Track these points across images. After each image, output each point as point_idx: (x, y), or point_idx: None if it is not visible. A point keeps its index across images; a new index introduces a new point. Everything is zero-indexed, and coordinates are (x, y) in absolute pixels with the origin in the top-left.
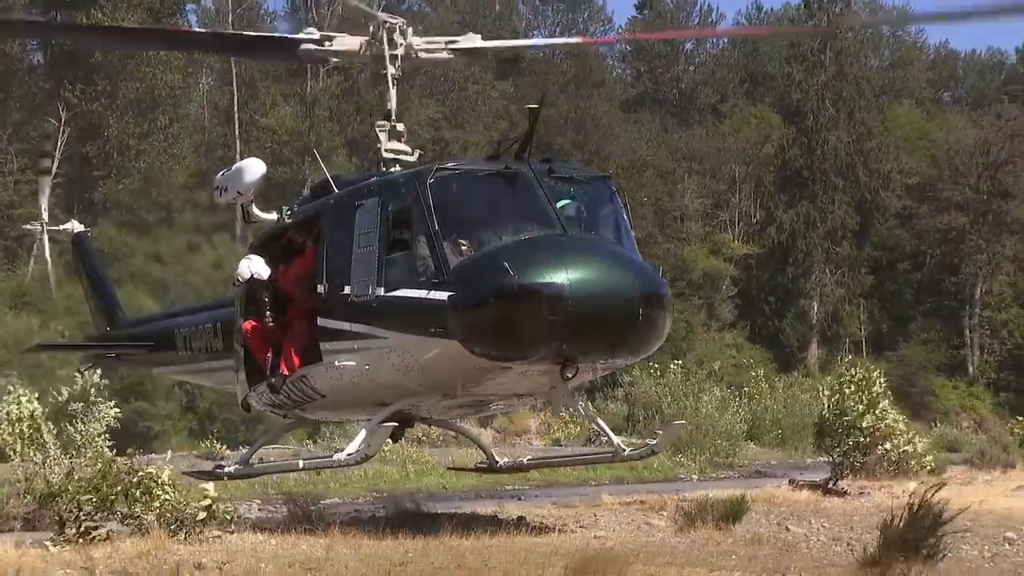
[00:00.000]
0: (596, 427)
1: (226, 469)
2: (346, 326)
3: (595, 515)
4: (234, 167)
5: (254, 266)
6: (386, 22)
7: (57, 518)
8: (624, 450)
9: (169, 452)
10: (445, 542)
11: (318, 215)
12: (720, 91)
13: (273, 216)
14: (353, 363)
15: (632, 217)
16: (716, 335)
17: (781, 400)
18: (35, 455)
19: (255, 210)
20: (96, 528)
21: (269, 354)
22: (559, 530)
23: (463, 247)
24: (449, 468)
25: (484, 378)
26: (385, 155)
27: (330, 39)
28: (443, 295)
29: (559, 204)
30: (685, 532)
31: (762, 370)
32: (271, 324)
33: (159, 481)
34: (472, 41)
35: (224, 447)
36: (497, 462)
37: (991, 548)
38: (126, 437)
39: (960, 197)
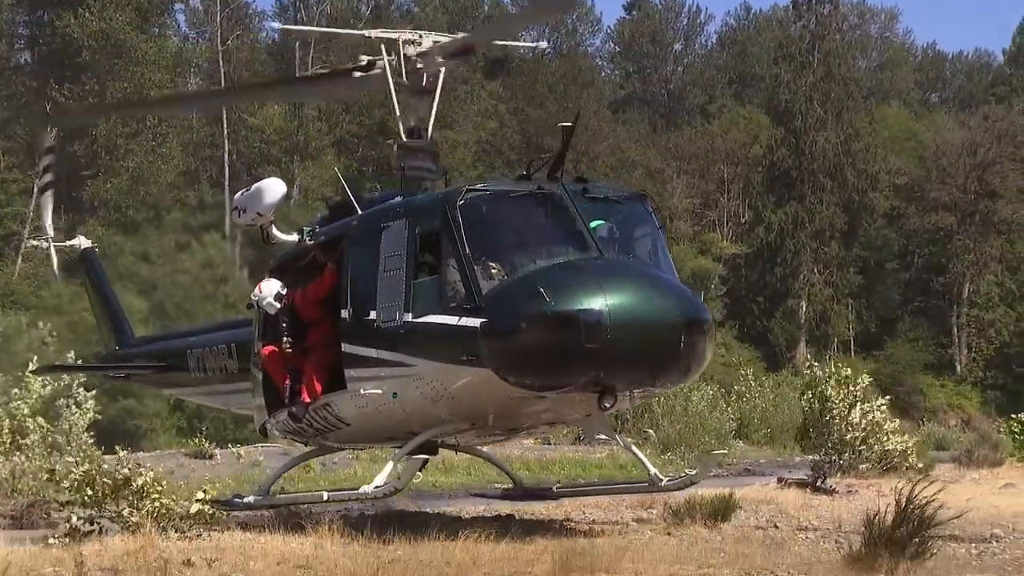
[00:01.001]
0: (633, 456)
1: (245, 499)
2: (372, 353)
3: (584, 512)
4: (253, 187)
5: (274, 290)
6: (408, 40)
7: (45, 517)
8: (661, 480)
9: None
10: (434, 540)
11: (341, 237)
12: (708, 92)
13: (294, 237)
14: (380, 391)
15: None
16: None
17: (769, 399)
18: (20, 455)
19: (275, 231)
20: (86, 526)
21: (289, 380)
22: (548, 527)
23: (495, 272)
24: (472, 494)
25: (518, 407)
26: (409, 173)
27: (372, 64)
28: (475, 322)
29: (594, 225)
30: (674, 530)
31: (751, 369)
32: (291, 349)
33: (148, 481)
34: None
35: (213, 445)
36: (521, 481)
37: (978, 545)
38: (114, 435)
39: (948, 197)
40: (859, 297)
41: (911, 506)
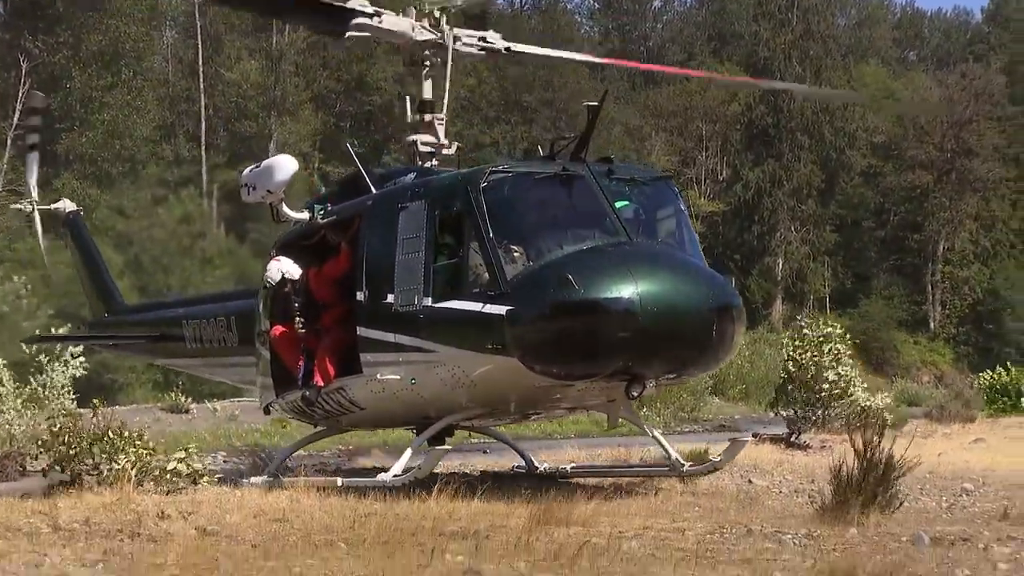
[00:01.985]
0: (655, 441)
1: (253, 480)
2: (390, 337)
3: (560, 467)
4: (263, 164)
5: (284, 267)
6: (445, 5)
7: (20, 469)
8: (683, 465)
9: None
10: (411, 495)
11: (355, 216)
12: (687, 49)
13: (304, 215)
14: (397, 377)
15: None
16: None
17: (745, 355)
18: None
19: (285, 209)
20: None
21: (301, 362)
22: (523, 483)
23: (520, 256)
24: (483, 472)
25: (542, 395)
26: (422, 148)
27: (380, 15)
28: (500, 309)
29: (619, 206)
30: (649, 484)
31: None
32: (303, 330)
33: (125, 435)
34: (524, 46)
35: (189, 400)
36: (536, 468)
37: (948, 499)
38: (91, 389)
39: (924, 156)
40: (835, 255)
41: (875, 454)
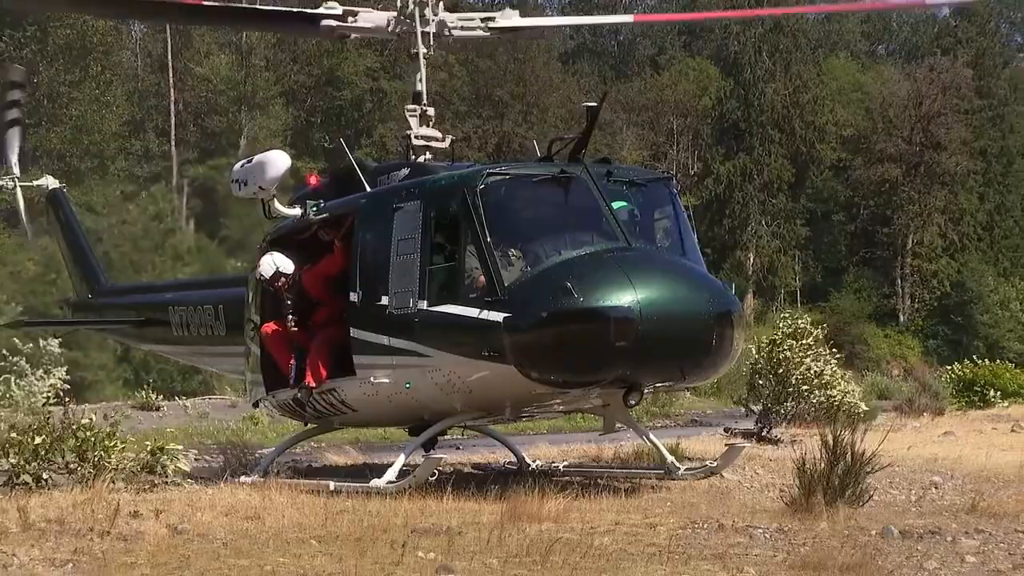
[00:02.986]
0: (650, 444)
1: (242, 480)
2: (383, 339)
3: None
4: (255, 160)
5: (278, 262)
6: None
7: None
8: (678, 468)
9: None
10: (384, 491)
11: (349, 214)
12: (658, 43)
13: (297, 211)
14: (391, 380)
15: None
16: None
17: None
18: None
19: (277, 205)
20: (32, 477)
21: (292, 360)
22: (496, 477)
23: (518, 261)
24: (474, 466)
25: (538, 400)
26: (415, 142)
27: (354, 14)
28: (498, 316)
29: (618, 209)
30: (620, 480)
31: None
32: (294, 328)
33: (96, 432)
34: (509, 18)
35: (160, 397)
36: (528, 465)
37: (917, 492)
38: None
39: (893, 149)
40: (806, 248)
41: (841, 448)
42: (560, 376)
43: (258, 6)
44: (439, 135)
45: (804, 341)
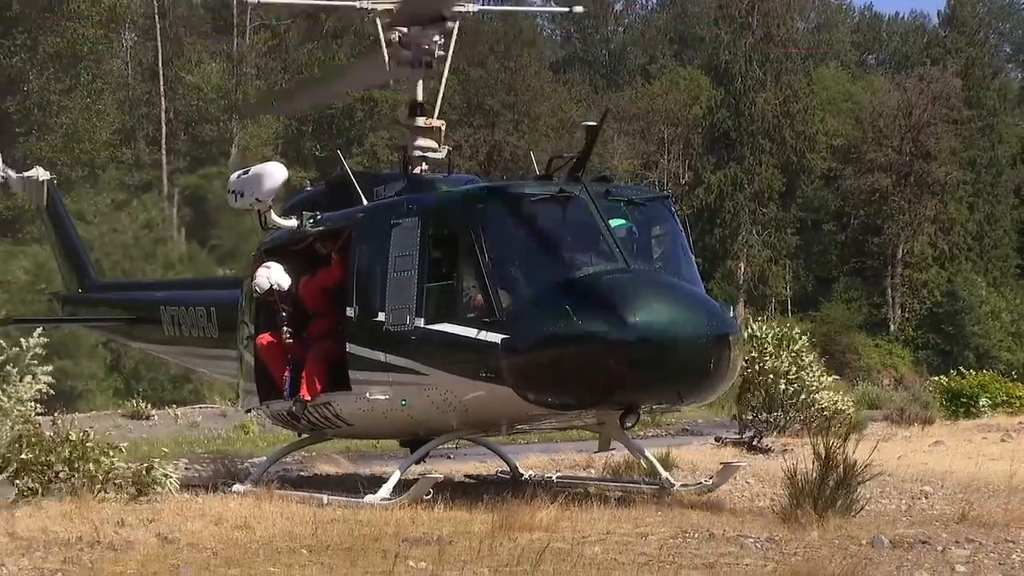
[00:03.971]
0: (645, 462)
1: (234, 488)
2: (379, 356)
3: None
4: (252, 171)
5: (274, 276)
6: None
7: None
8: (673, 484)
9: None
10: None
11: (346, 228)
12: (649, 52)
13: (293, 223)
14: (387, 397)
15: None
16: None
17: None
18: None
19: (273, 216)
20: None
21: (286, 373)
22: (488, 487)
23: (516, 282)
24: (467, 476)
25: (535, 421)
26: (412, 153)
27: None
28: (495, 337)
29: (616, 227)
30: (611, 489)
31: None
32: (289, 340)
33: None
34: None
35: (150, 406)
36: (521, 475)
37: (907, 501)
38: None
39: (883, 159)
40: (796, 258)
41: (832, 459)
42: (557, 398)
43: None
44: (436, 146)
45: (792, 349)
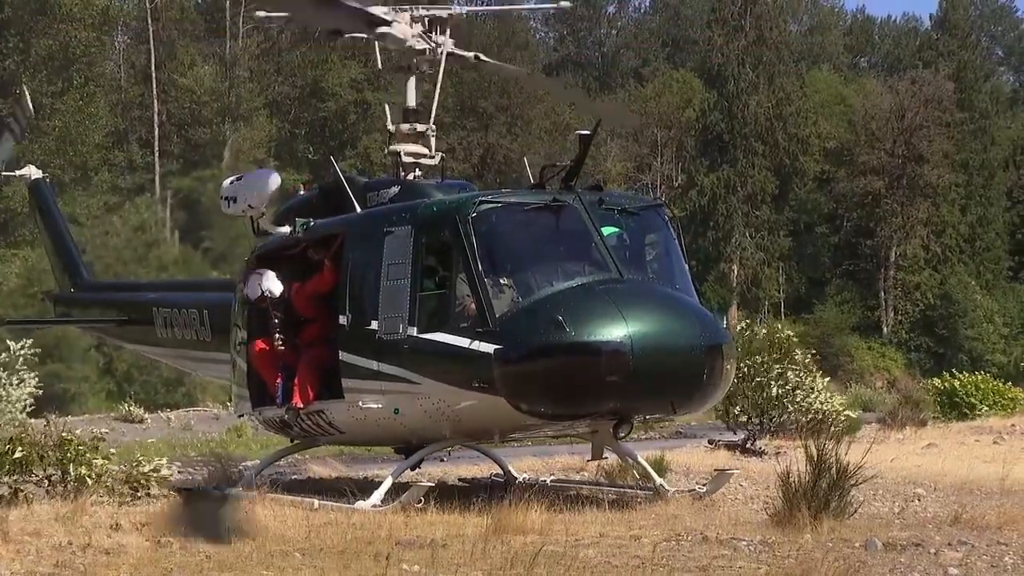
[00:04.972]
0: (639, 469)
1: (226, 492)
2: (372, 364)
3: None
4: (245, 178)
5: (266, 285)
6: (442, 13)
7: None
8: (668, 491)
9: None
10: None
11: (339, 235)
12: (642, 55)
13: (285, 229)
14: (379, 405)
15: None
16: None
17: None
18: None
19: (266, 223)
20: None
21: (279, 380)
22: (481, 490)
23: (509, 291)
24: (461, 480)
25: (528, 430)
26: (405, 159)
27: (387, 23)
28: (488, 347)
29: (610, 236)
30: (604, 492)
31: None
32: (282, 347)
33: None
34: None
35: (143, 409)
36: (515, 478)
37: (901, 504)
38: (43, 399)
39: (876, 161)
40: (789, 260)
41: (826, 461)
42: (550, 408)
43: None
44: (429, 152)
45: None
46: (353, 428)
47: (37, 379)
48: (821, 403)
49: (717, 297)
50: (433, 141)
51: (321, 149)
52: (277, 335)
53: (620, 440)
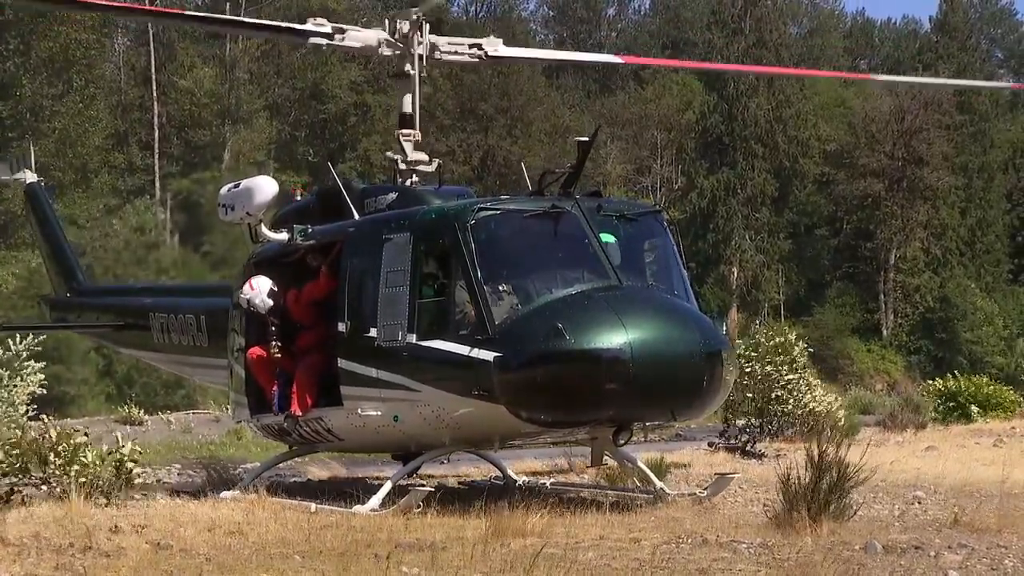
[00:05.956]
0: (639, 474)
1: (223, 495)
2: (371, 372)
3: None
4: (242, 185)
5: (258, 297)
6: (414, 16)
7: None
8: (669, 494)
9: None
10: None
11: (337, 243)
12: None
13: (283, 236)
14: (378, 413)
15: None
16: None
17: None
18: None
19: (264, 230)
20: (11, 492)
21: (276, 387)
22: (481, 493)
23: (508, 298)
24: (461, 483)
25: (528, 437)
26: (402, 167)
27: (342, 32)
28: (488, 355)
29: (608, 242)
30: (604, 495)
31: None
32: (279, 355)
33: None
34: (495, 45)
35: (143, 411)
36: (515, 480)
37: (900, 506)
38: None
39: (876, 164)
40: (789, 262)
41: (826, 464)
42: (550, 416)
43: (249, 19)
44: (427, 158)
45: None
46: (352, 435)
47: (41, 371)
48: (816, 401)
49: (717, 299)
50: (409, 146)
51: (321, 151)
52: (274, 342)
53: (619, 447)
